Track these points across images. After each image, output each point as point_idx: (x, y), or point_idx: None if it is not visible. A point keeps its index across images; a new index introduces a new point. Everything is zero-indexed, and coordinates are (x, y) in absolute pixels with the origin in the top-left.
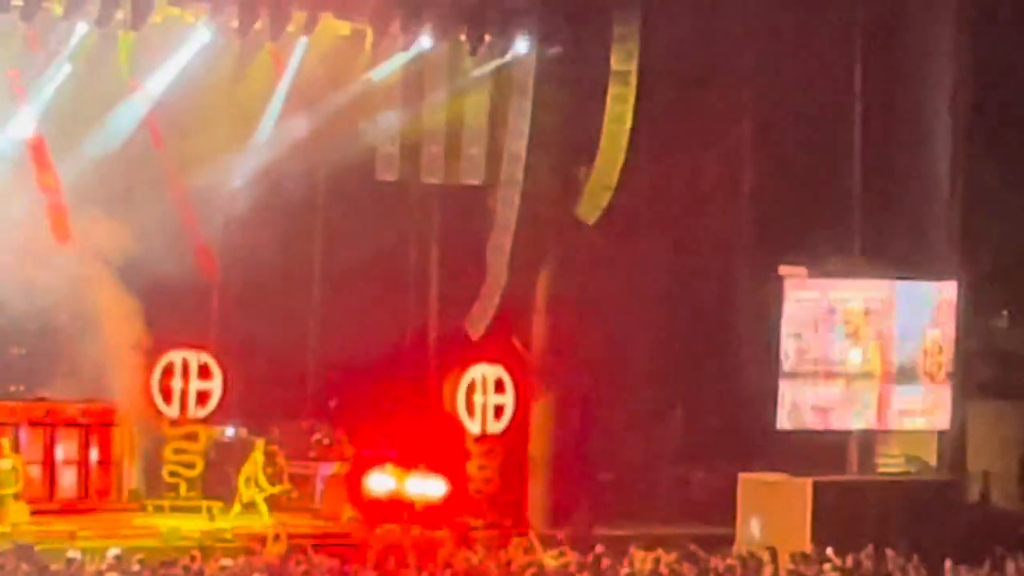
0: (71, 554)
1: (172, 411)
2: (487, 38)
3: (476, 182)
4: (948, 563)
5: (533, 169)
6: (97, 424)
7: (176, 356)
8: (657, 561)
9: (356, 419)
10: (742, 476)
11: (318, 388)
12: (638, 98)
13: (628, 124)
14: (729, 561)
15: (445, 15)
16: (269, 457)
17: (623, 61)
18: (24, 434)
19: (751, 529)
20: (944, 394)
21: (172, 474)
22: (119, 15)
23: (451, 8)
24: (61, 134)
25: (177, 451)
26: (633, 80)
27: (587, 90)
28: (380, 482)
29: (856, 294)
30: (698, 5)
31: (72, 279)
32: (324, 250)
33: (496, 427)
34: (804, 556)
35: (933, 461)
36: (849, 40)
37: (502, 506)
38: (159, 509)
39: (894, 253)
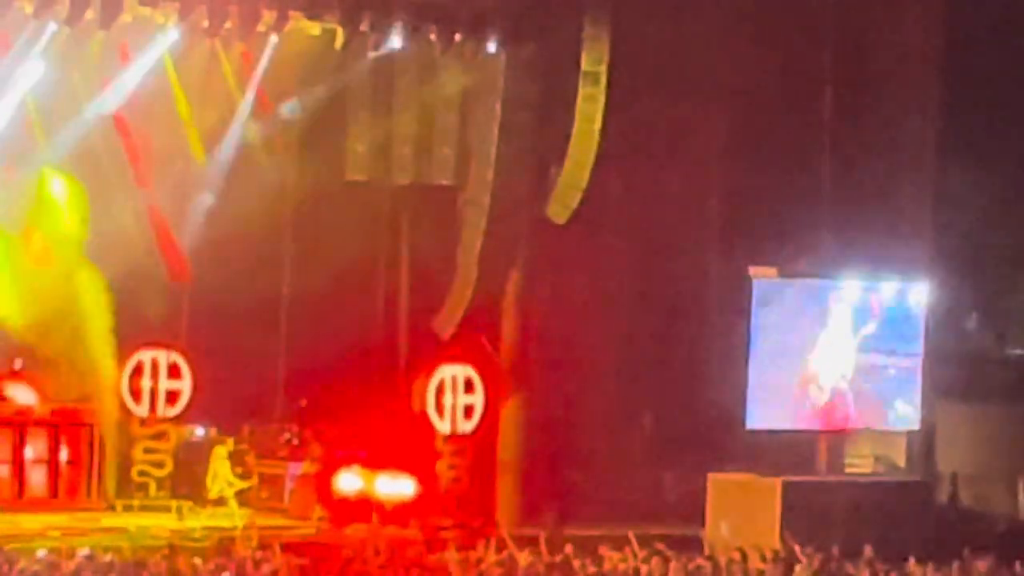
0: (40, 553)
1: (141, 410)
2: (457, 37)
3: (446, 182)
4: (911, 561)
5: (503, 169)
6: (66, 424)
7: (146, 355)
8: (627, 561)
9: (325, 419)
10: (711, 476)
11: (288, 388)
12: (608, 98)
13: (598, 124)
14: (699, 561)
15: (415, 14)
16: (238, 456)
17: (594, 61)
18: None
19: (721, 529)
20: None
21: (141, 473)
22: (89, 14)
23: (421, 7)
24: (30, 133)
25: (147, 450)
26: (603, 80)
27: (557, 90)
28: (349, 482)
29: (825, 294)
30: (669, 5)
31: (42, 279)
32: (293, 250)
33: (466, 427)
34: (774, 555)
35: (902, 462)
36: (820, 40)
37: (471, 506)
38: (129, 508)
39: (864, 253)
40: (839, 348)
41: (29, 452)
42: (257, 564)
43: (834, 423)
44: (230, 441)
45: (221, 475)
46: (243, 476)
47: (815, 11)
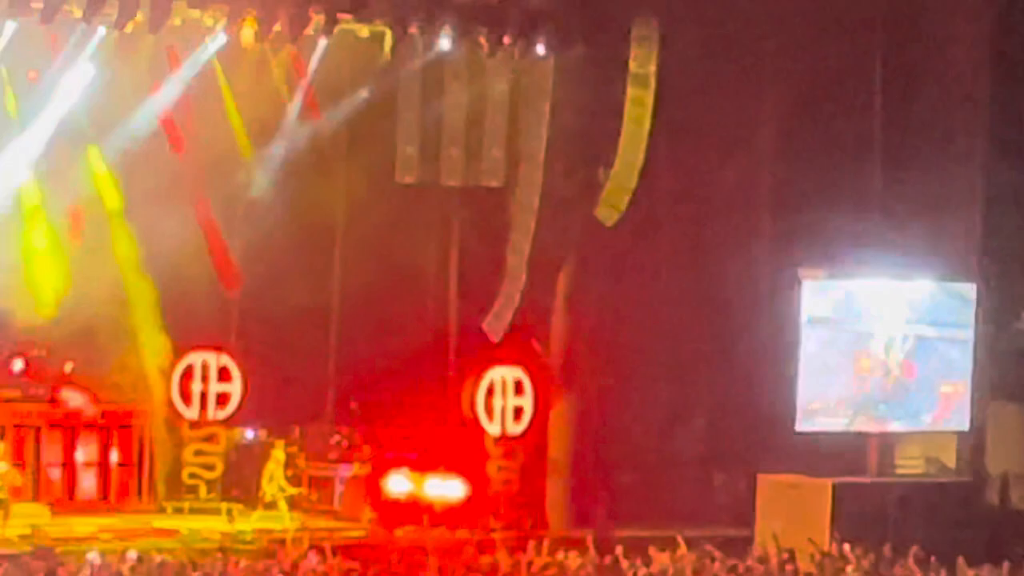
0: (91, 556)
1: (192, 413)
2: (506, 40)
3: (496, 184)
4: (961, 562)
5: (552, 171)
6: (117, 426)
7: (196, 358)
8: (676, 563)
9: (376, 421)
10: (761, 477)
11: (338, 390)
12: (657, 100)
13: (647, 126)
14: (749, 562)
15: (464, 17)
16: (289, 459)
17: (642, 63)
18: (44, 436)
19: (770, 530)
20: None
21: (192, 476)
22: (138, 18)
23: (470, 10)
24: (81, 137)
25: (197, 453)
26: (652, 82)
27: (606, 92)
28: (399, 484)
29: (875, 295)
30: (718, 6)
31: (93, 282)
32: (344, 252)
33: (515, 429)
34: (824, 557)
35: (952, 463)
36: (870, 39)
37: (521, 508)
38: (179, 511)
39: (914, 253)
40: (888, 349)
41: (80, 455)
42: (307, 567)
43: (881, 425)
44: (280, 443)
45: (276, 477)
46: (293, 479)
47: (865, 11)
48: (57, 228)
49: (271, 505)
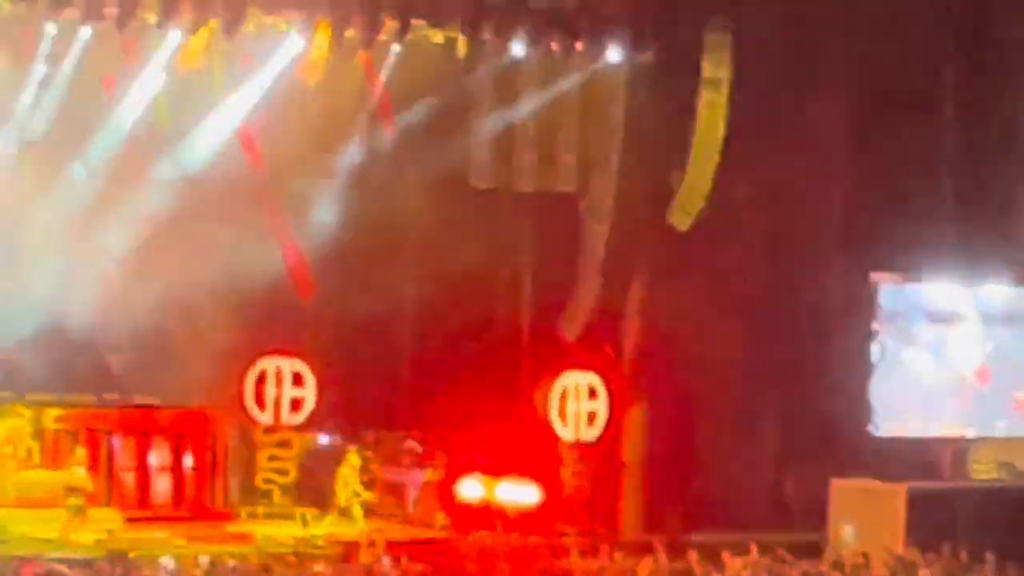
0: (164, 561)
1: (266, 418)
2: (579, 45)
3: (569, 189)
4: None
5: (625, 176)
6: (191, 431)
7: (270, 363)
8: (750, 567)
9: (449, 426)
10: (834, 482)
11: (411, 395)
12: (730, 104)
13: (720, 131)
14: (822, 567)
15: (537, 22)
16: (363, 464)
17: (715, 68)
18: (118, 441)
19: (844, 535)
20: None
21: (266, 481)
22: (212, 24)
23: (543, 15)
24: (153, 142)
25: (271, 458)
26: (725, 87)
27: (679, 97)
28: (472, 489)
29: (949, 300)
30: (790, 11)
31: (168, 288)
32: (418, 257)
33: (589, 434)
34: (898, 562)
35: None
36: (943, 43)
37: (594, 513)
38: (253, 516)
39: (988, 258)
40: (964, 353)
41: (154, 459)
42: (381, 572)
43: (955, 430)
44: (354, 449)
45: (351, 483)
46: (367, 484)
47: (938, 15)
48: (133, 234)
49: (345, 510)
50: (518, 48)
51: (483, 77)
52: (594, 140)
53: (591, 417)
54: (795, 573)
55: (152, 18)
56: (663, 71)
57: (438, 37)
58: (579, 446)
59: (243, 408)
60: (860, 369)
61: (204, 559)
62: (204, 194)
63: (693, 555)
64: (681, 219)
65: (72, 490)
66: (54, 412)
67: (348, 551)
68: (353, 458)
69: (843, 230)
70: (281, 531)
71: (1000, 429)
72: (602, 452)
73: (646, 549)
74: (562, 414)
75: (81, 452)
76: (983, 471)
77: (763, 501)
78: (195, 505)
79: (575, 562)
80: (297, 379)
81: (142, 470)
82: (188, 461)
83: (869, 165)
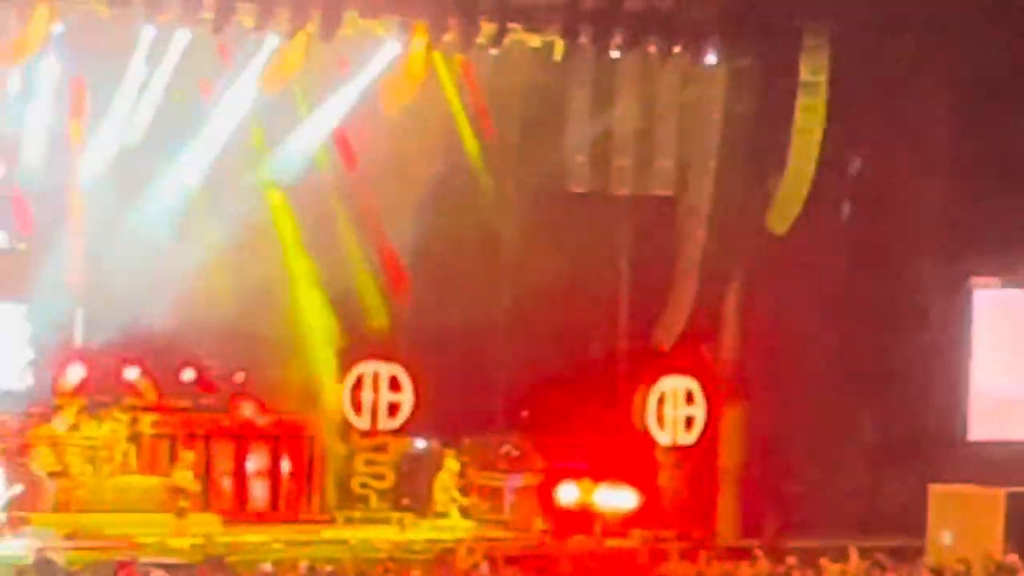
0: (262, 566)
1: (363, 423)
2: (677, 48)
3: (666, 193)
4: None
5: (722, 180)
6: (288, 436)
7: (367, 368)
8: (848, 573)
9: (546, 431)
10: (933, 487)
11: (508, 400)
12: (828, 107)
13: (818, 135)
14: (922, 573)
15: (634, 26)
16: (460, 468)
17: (812, 71)
18: (216, 446)
19: (943, 540)
20: None
21: (363, 485)
22: (309, 28)
23: (640, 19)
24: (249, 146)
25: (368, 463)
26: (823, 90)
27: (776, 100)
28: (570, 494)
29: None
30: (888, 11)
31: (264, 292)
32: (514, 261)
33: (686, 438)
34: (999, 567)
35: None
36: None
37: (692, 517)
38: (350, 521)
39: None
40: None
41: (251, 464)
42: None
43: None
44: (451, 453)
45: (448, 487)
46: (464, 488)
47: None
48: (226, 239)
49: (442, 515)
50: (615, 51)
51: (580, 81)
52: (691, 143)
53: (688, 421)
54: None
55: (249, 22)
56: (761, 74)
57: (535, 41)
58: (676, 450)
59: (340, 413)
60: (958, 372)
61: (302, 564)
62: (299, 199)
63: (791, 560)
64: (779, 222)
65: (178, 492)
66: (151, 417)
67: (445, 556)
68: (450, 463)
69: (942, 232)
70: (378, 536)
71: None
72: (699, 456)
73: (744, 554)
74: (659, 419)
75: (187, 455)
76: None
77: (860, 506)
78: (292, 510)
79: (673, 567)
80: (394, 384)
81: (239, 475)
82: (285, 466)
83: (969, 166)
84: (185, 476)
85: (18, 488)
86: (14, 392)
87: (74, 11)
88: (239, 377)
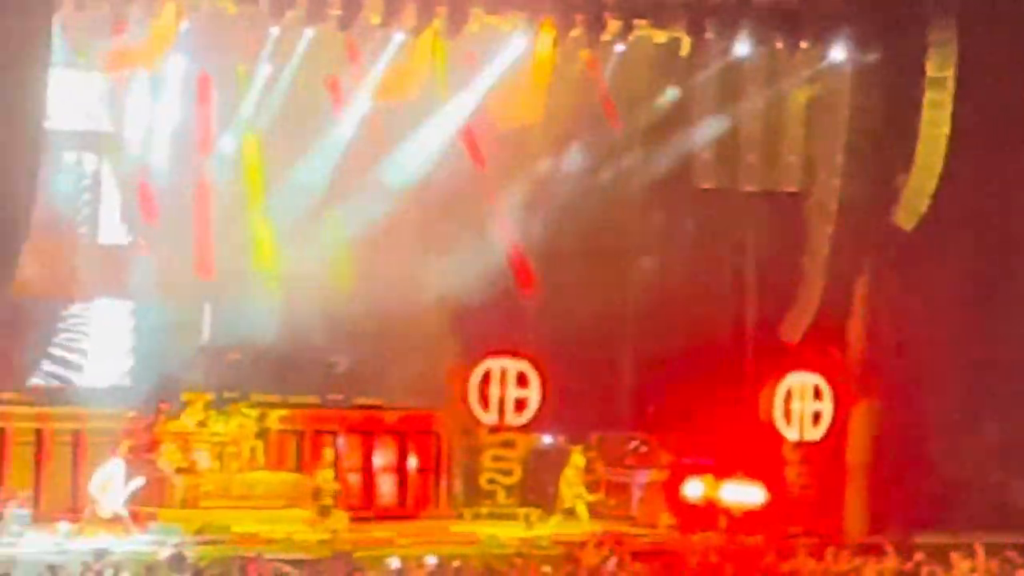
0: (390, 561)
1: (490, 418)
2: (803, 44)
3: (793, 189)
4: None
5: (850, 176)
6: (415, 431)
7: (494, 364)
8: (978, 569)
9: (673, 426)
10: None
11: (635, 395)
12: (955, 103)
13: (945, 130)
14: None
15: (761, 22)
16: (587, 464)
17: (940, 67)
18: (343, 442)
19: None
20: None
21: (490, 481)
22: (435, 24)
23: (767, 15)
24: (376, 143)
25: (495, 458)
26: (950, 85)
27: (903, 96)
28: (697, 489)
29: None
30: (1017, 7)
31: (391, 289)
32: (641, 257)
33: (814, 434)
34: None
35: None
36: None
37: (819, 513)
38: (477, 516)
39: None
40: None
41: (378, 460)
42: (606, 572)
43: None
44: (578, 449)
45: (575, 483)
46: (591, 484)
47: None
48: (352, 236)
49: (569, 511)
50: (742, 47)
51: (707, 76)
52: (818, 139)
53: (816, 417)
54: None
55: (375, 19)
56: (887, 70)
57: (661, 37)
58: (804, 446)
59: (467, 408)
60: None
61: (430, 560)
62: (427, 195)
63: (919, 556)
64: (906, 218)
65: (320, 491)
66: (279, 413)
67: (572, 552)
68: (577, 458)
69: None
70: (505, 532)
71: None
72: (827, 452)
73: (872, 550)
74: (787, 414)
75: (328, 453)
76: None
77: (990, 501)
78: (419, 505)
79: (800, 563)
80: (521, 379)
81: (367, 471)
82: (412, 462)
83: None
84: (327, 475)
85: (140, 482)
86: (120, 389)
87: (201, 8)
88: (366, 372)
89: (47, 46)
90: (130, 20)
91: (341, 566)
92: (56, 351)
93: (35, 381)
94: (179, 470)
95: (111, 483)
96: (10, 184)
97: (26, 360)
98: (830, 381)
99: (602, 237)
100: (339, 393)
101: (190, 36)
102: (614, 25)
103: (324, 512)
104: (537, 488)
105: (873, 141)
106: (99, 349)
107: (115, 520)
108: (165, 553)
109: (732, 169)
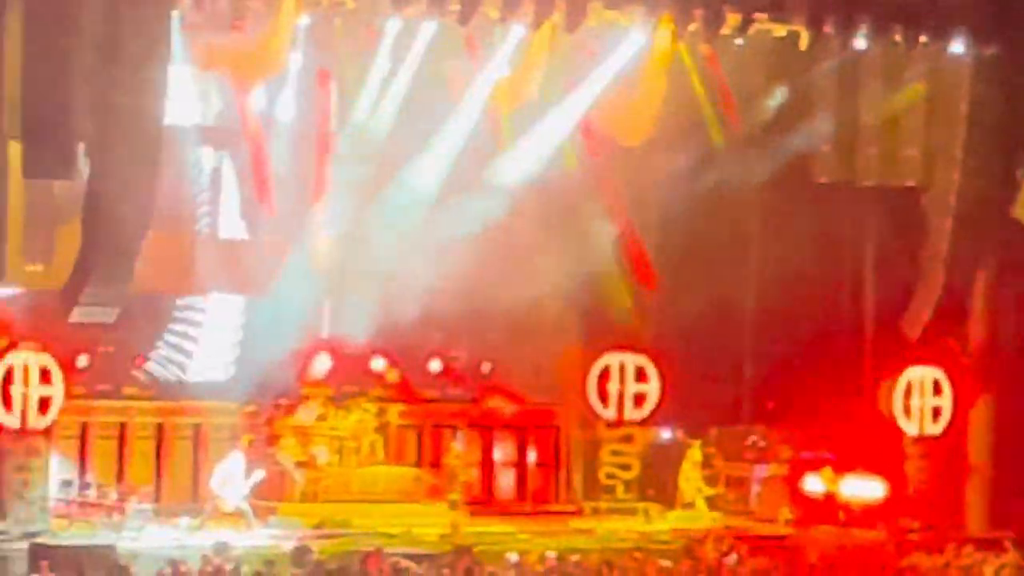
0: (509, 556)
1: (609, 413)
2: (922, 38)
3: (911, 183)
4: None
5: (969, 170)
6: (535, 426)
7: (613, 359)
8: None
9: (792, 421)
10: None
11: (754, 390)
12: None
13: None
14: None
15: (880, 16)
16: (706, 459)
17: None
18: (463, 436)
19: None
20: None
21: (609, 476)
22: (554, 18)
23: (886, 9)
24: (495, 138)
25: (614, 453)
26: None
27: (1023, 90)
28: (816, 484)
29: None
30: None
31: (510, 283)
32: (761, 251)
33: (934, 429)
34: None
35: None
36: None
37: (939, 509)
38: (596, 511)
39: None
40: None
41: (498, 455)
42: (726, 566)
43: None
44: (697, 444)
45: (692, 478)
46: (710, 479)
47: None
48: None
49: (689, 505)
50: (861, 41)
51: (825, 70)
52: (937, 133)
53: (936, 412)
54: None
55: (494, 13)
56: (1007, 63)
57: (780, 31)
58: (923, 441)
59: (586, 403)
60: None
61: (550, 554)
62: (545, 190)
63: None
64: None
65: (448, 485)
66: (398, 407)
67: (692, 546)
68: (694, 453)
69: None
70: (624, 526)
71: None
72: (947, 447)
73: (992, 546)
74: (906, 409)
75: (455, 447)
76: None
77: None
78: (538, 500)
79: (920, 558)
80: (640, 374)
81: (486, 465)
82: (532, 456)
83: None
84: (455, 468)
85: (260, 475)
86: (239, 383)
87: (320, 3)
88: (485, 367)
89: (166, 43)
90: (249, 16)
91: (461, 560)
92: (175, 346)
93: (155, 376)
94: (298, 464)
95: (233, 477)
96: (131, 180)
97: (146, 355)
98: (950, 376)
99: (720, 231)
100: (459, 388)
101: (309, 31)
102: (733, 19)
103: (453, 506)
104: (656, 483)
105: (992, 135)
106: (218, 344)
107: (237, 514)
108: (287, 547)
109: (850, 163)
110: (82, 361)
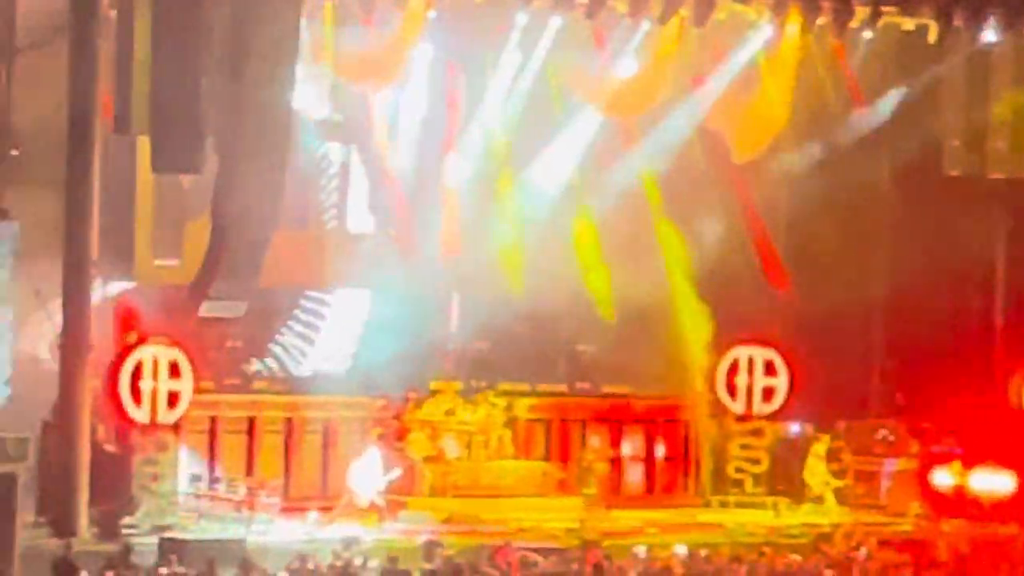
0: (637, 550)
1: (738, 407)
2: None
3: None
4: None
5: None
6: (663, 420)
7: (742, 352)
8: None
9: (922, 414)
10: None
11: (884, 384)
12: None
13: None
14: None
15: (1010, 7)
16: (834, 453)
17: None
18: (591, 430)
19: None
20: None
21: (738, 470)
22: (682, 12)
23: (1016, 1)
24: (620, 132)
25: (743, 447)
26: None
27: None
28: (946, 478)
29: None
30: None
31: (640, 278)
32: (890, 245)
33: None
34: None
35: None
36: None
37: None
38: (724, 505)
39: None
40: None
41: (626, 448)
42: (857, 561)
43: None
44: (825, 438)
45: (817, 472)
46: (839, 473)
47: None
48: (600, 229)
49: (818, 499)
50: (990, 34)
51: (955, 63)
52: None
53: None
54: None
55: (622, 8)
56: None
57: (908, 24)
58: None
59: (715, 397)
60: None
61: (680, 548)
62: (673, 185)
63: None
64: None
65: (585, 478)
66: (527, 402)
67: (821, 541)
68: (818, 447)
69: None
70: (753, 520)
71: None
72: None
73: None
74: None
75: (593, 441)
76: None
77: None
78: (667, 494)
79: None
80: (769, 368)
81: (615, 459)
82: (660, 450)
83: None
84: (591, 462)
85: (397, 472)
86: (366, 377)
87: None
88: (614, 361)
89: (295, 37)
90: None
91: (589, 554)
92: (304, 339)
93: (283, 370)
94: (427, 459)
95: (369, 472)
96: (260, 175)
97: (276, 348)
98: None
99: (850, 224)
100: (587, 382)
101: (437, 25)
102: (862, 12)
103: (588, 500)
104: (785, 477)
105: None
106: (344, 337)
107: (371, 508)
108: (416, 541)
109: (980, 156)
110: (211, 355)
